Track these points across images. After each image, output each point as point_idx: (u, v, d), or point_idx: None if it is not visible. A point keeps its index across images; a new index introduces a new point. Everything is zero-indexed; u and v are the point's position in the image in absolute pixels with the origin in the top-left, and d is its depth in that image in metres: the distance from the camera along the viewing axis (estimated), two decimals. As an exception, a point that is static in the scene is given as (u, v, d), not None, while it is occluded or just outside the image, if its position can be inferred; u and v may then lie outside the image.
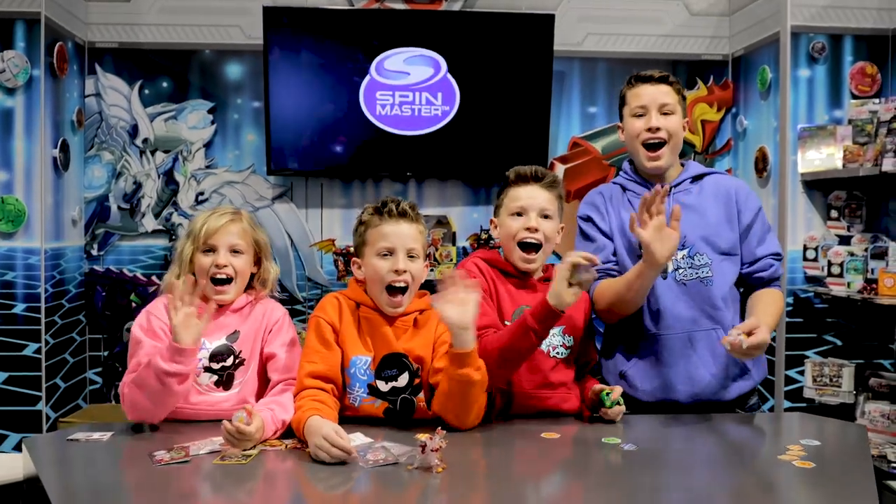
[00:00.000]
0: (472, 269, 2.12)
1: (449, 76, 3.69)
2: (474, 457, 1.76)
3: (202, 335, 1.95)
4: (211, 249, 2.06)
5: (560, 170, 3.89)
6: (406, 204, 2.02)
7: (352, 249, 2.37)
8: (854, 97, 3.38)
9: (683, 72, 3.93)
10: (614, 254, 2.23)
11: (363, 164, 3.74)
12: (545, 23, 3.69)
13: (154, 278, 3.82)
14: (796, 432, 1.89)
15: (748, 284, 2.24)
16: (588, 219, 2.29)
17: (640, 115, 2.22)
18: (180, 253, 2.09)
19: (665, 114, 2.20)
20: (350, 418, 1.93)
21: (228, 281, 2.06)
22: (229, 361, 2.04)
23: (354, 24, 3.67)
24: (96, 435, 1.87)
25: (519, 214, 2.12)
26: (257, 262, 2.16)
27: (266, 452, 1.75)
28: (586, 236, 2.29)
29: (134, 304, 3.81)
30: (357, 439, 1.79)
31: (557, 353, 2.13)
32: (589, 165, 3.90)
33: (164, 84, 3.80)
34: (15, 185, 3.29)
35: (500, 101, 3.73)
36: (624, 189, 2.29)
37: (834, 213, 3.38)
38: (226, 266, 2.05)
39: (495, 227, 2.20)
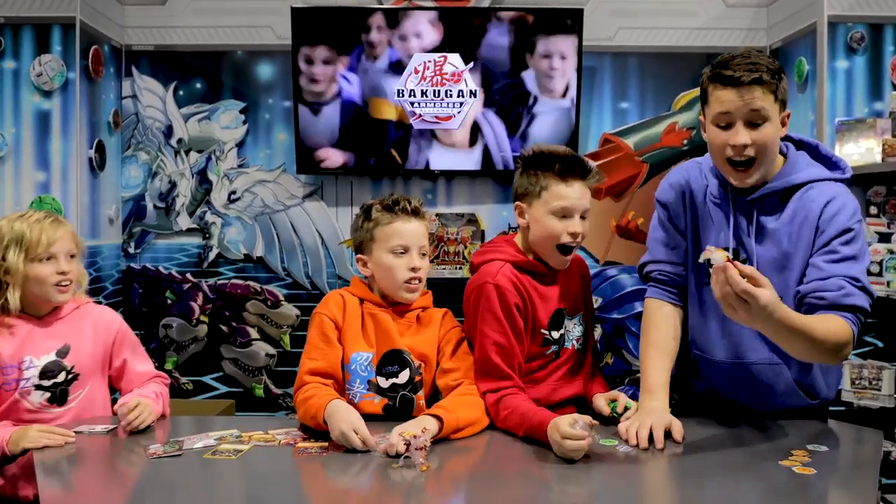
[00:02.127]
0: (505, 286, 1.95)
1: (478, 72, 3.67)
2: (464, 456, 1.74)
3: (29, 353, 2.00)
4: (50, 257, 2.03)
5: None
6: (416, 201, 2.03)
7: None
8: (896, 88, 3.25)
9: (719, 65, 3.82)
10: (683, 255, 2.02)
11: (392, 162, 3.74)
12: (574, 17, 3.64)
13: (188, 276, 3.90)
14: (807, 437, 1.82)
15: (807, 306, 1.79)
16: (665, 206, 2.04)
17: (724, 127, 1.81)
18: (6, 265, 2.00)
19: (756, 123, 1.78)
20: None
21: (69, 284, 2.06)
22: (61, 377, 2.02)
23: (383, 22, 3.68)
24: (99, 428, 1.91)
25: (562, 215, 1.95)
26: None
27: (258, 448, 1.76)
28: (663, 226, 2.05)
29: (169, 301, 3.90)
30: None
31: (580, 344, 2.09)
32: (620, 162, 3.83)
33: (198, 85, 3.87)
34: (52, 184, 3.40)
35: (527, 98, 3.69)
36: (707, 185, 1.98)
37: (873, 210, 3.25)
38: (70, 272, 2.05)
39: (521, 213, 2.02)
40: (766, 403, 1.96)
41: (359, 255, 2.07)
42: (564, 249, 1.99)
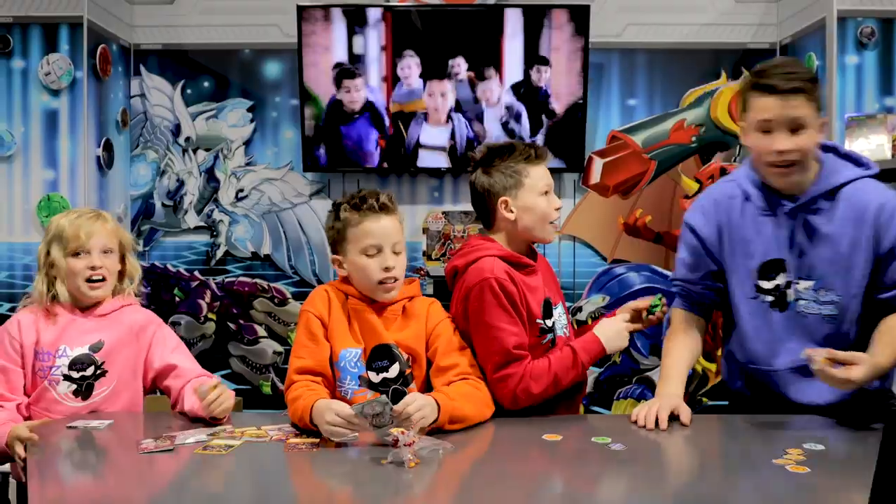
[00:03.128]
0: (504, 278, 1.97)
1: (484, 69, 3.67)
2: (452, 452, 1.72)
3: (65, 342, 2.05)
4: (83, 252, 2.06)
5: (598, 164, 3.81)
6: (384, 196, 1.97)
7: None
8: (907, 83, 3.20)
9: (728, 62, 3.79)
10: (710, 277, 2.04)
11: (398, 159, 3.74)
12: (580, 14, 3.61)
13: (196, 273, 3.92)
14: (804, 435, 1.79)
15: (887, 307, 1.92)
16: (693, 230, 2.05)
17: (766, 132, 1.86)
18: (51, 259, 2.08)
19: (796, 130, 1.84)
20: None
21: (102, 280, 2.08)
22: (90, 371, 2.05)
23: (389, 21, 3.68)
24: (95, 423, 1.92)
25: (545, 193, 2.06)
26: (121, 259, 2.17)
27: (249, 444, 1.76)
28: (690, 249, 2.06)
29: (177, 299, 3.92)
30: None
31: (565, 331, 2.14)
32: (628, 159, 3.80)
33: (206, 84, 3.89)
34: (60, 183, 3.43)
35: (536, 95, 3.68)
36: (747, 197, 1.99)
37: (884, 207, 3.20)
38: (101, 268, 2.07)
39: (508, 207, 2.04)
40: (825, 400, 1.96)
41: (333, 256, 2.04)
42: (552, 225, 2.10)
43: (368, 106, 3.70)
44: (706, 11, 3.79)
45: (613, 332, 2.03)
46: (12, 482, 2.78)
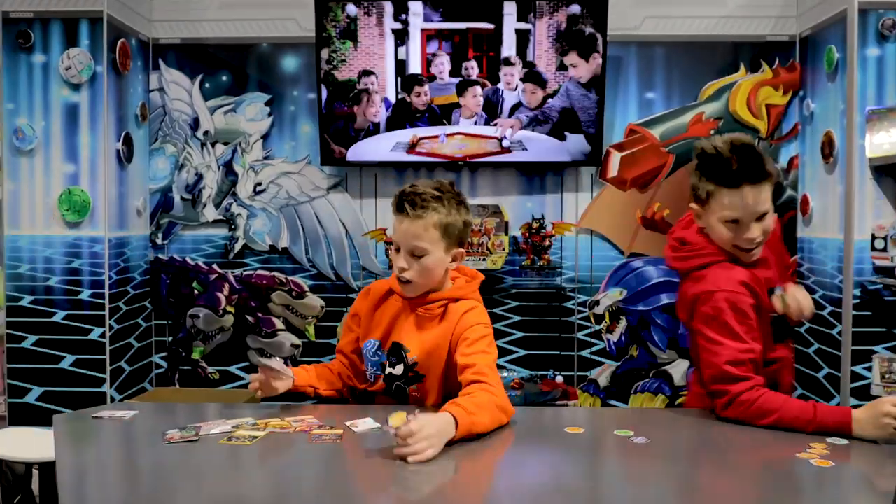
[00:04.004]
0: (737, 292, 1.85)
1: (501, 60, 3.66)
2: (475, 446, 1.73)
3: None
4: None
5: (616, 158, 3.80)
6: (419, 196, 1.91)
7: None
8: (929, 76, 3.17)
9: (747, 54, 3.77)
10: None
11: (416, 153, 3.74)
12: (599, 7, 3.60)
13: (215, 267, 3.94)
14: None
15: None
16: None
17: None
18: None
19: None
20: (364, 392, 2.14)
21: None
22: None
23: (406, 14, 3.68)
24: (119, 413, 1.94)
25: (733, 221, 1.86)
26: None
27: (273, 434, 1.78)
28: None
29: (196, 292, 3.94)
30: (364, 424, 1.82)
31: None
32: (646, 153, 3.79)
33: (224, 78, 3.91)
34: (81, 176, 3.45)
35: (553, 89, 3.67)
36: None
37: (905, 200, 3.18)
38: None
39: (697, 216, 1.94)
40: None
41: None
42: (744, 251, 1.90)
43: (390, 101, 3.71)
44: (725, 4, 3.76)
45: (870, 414, 1.72)
46: (35, 473, 2.83)
